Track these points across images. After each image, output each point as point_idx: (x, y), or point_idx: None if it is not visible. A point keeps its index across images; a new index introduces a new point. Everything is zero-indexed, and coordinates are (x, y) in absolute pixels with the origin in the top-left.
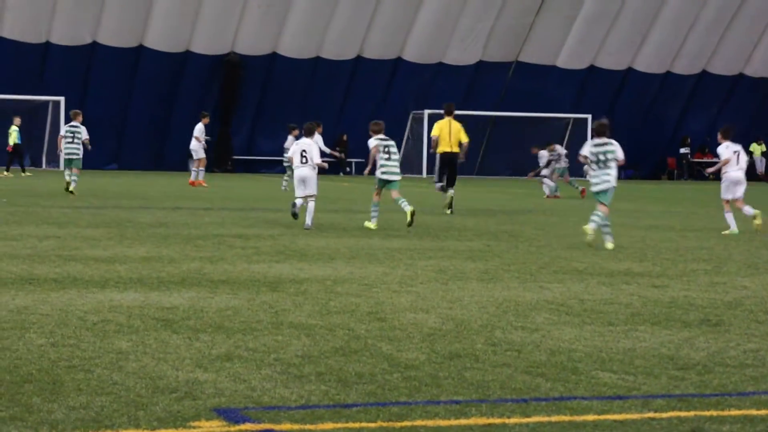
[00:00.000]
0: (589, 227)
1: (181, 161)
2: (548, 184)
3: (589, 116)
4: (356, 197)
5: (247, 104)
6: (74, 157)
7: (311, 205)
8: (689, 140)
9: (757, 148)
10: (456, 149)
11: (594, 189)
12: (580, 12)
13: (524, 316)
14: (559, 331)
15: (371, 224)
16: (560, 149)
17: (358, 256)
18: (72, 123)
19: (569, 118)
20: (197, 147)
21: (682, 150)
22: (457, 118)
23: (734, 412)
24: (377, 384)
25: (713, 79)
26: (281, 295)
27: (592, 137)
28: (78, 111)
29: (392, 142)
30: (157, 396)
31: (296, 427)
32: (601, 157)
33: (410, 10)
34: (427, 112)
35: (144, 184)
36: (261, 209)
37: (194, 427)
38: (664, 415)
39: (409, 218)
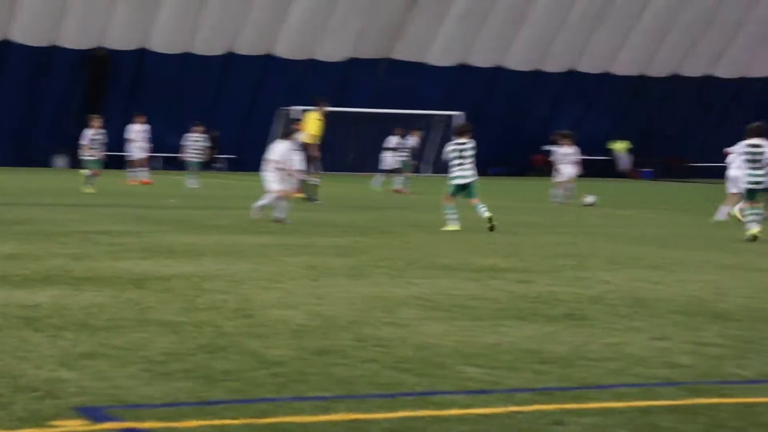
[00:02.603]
0: (755, 229)
1: (46, 157)
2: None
3: (461, 113)
4: (227, 194)
5: (115, 100)
6: None
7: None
8: (555, 139)
9: (620, 146)
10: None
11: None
12: (452, 9)
13: (392, 312)
14: (427, 327)
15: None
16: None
17: (227, 252)
18: None
19: (441, 116)
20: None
21: (549, 148)
22: (329, 114)
23: (594, 405)
24: (243, 381)
25: (581, 77)
26: (147, 292)
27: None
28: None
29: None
30: (17, 395)
31: (160, 425)
32: (756, 157)
33: (281, 6)
34: (296, 108)
35: (7, 180)
36: (128, 206)
37: (55, 426)
38: (527, 408)
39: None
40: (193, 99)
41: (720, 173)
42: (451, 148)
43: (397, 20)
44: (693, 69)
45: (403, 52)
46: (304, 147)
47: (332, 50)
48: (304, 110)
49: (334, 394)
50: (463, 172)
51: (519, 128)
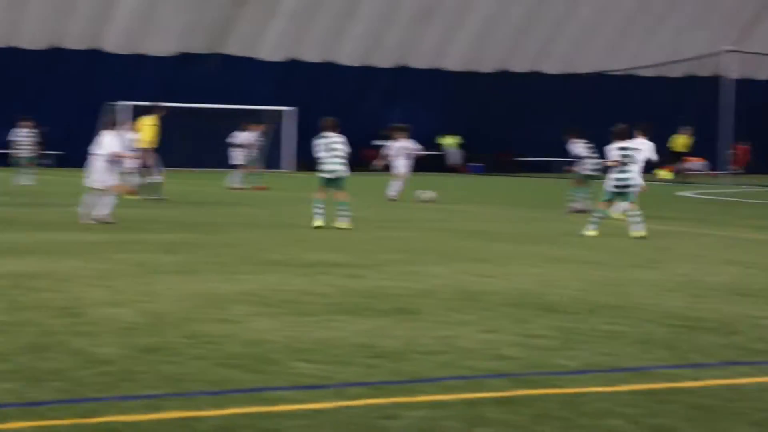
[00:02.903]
0: (592, 231)
1: None
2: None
3: (293, 109)
4: (55, 190)
5: None
6: None
7: None
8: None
9: (449, 141)
10: None
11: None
12: (282, 4)
13: (222, 309)
14: (257, 323)
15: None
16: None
17: (54, 250)
18: None
19: (271, 111)
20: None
21: (381, 142)
22: (165, 115)
23: (425, 398)
24: (70, 380)
25: (411, 72)
26: None
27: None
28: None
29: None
30: None
31: None
32: (628, 159)
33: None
34: (124, 103)
35: None
36: None
37: None
38: (359, 402)
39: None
40: (19, 94)
41: (546, 168)
42: (319, 143)
43: (227, 15)
44: (520, 64)
45: (234, 47)
46: (141, 152)
47: (161, 45)
48: (135, 105)
49: (164, 392)
50: (332, 166)
51: (350, 123)
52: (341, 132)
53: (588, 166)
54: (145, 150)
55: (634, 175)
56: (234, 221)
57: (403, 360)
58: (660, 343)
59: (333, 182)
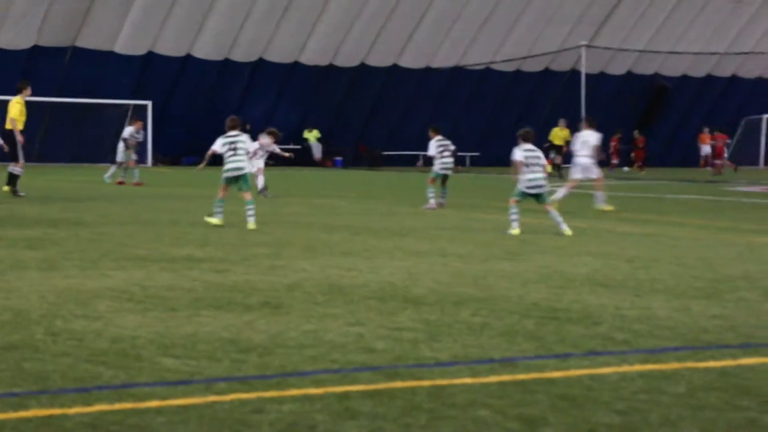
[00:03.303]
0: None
1: None
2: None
3: (149, 103)
4: None
5: None
6: None
7: None
8: (249, 127)
9: (310, 135)
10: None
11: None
12: None
13: (86, 305)
14: (122, 319)
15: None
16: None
17: None
18: None
19: (128, 105)
20: None
21: None
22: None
23: (294, 392)
24: None
25: (270, 66)
26: None
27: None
28: None
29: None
30: None
31: None
32: (533, 161)
33: None
34: None
35: None
36: None
37: None
38: (227, 397)
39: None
40: None
41: (405, 161)
42: (222, 141)
43: (82, 8)
44: (379, 59)
45: (89, 40)
46: (9, 134)
47: (15, 38)
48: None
49: (27, 390)
50: (235, 164)
51: (209, 118)
52: (206, 127)
53: (441, 163)
54: (15, 130)
55: (542, 176)
56: (98, 217)
57: (271, 354)
58: (525, 334)
59: (236, 181)
